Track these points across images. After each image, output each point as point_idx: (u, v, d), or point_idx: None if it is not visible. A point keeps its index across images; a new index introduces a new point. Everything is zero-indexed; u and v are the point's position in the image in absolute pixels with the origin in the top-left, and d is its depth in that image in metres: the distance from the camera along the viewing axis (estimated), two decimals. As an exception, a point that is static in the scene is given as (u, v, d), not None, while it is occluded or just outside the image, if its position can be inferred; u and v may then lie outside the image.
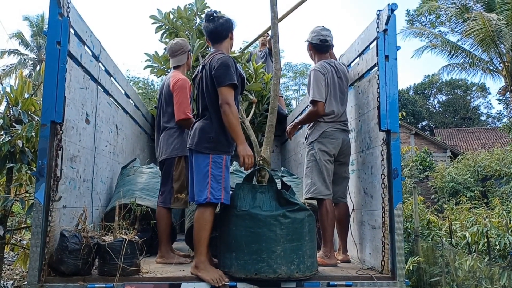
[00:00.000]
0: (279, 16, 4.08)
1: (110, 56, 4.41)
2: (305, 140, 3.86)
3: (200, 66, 3.33)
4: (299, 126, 4.22)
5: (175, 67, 3.97)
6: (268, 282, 2.88)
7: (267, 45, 7.13)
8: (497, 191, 13.14)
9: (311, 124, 3.78)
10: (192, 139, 3.18)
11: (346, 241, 3.80)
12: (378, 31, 3.34)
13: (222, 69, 3.07)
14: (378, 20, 3.36)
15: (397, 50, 3.30)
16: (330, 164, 3.66)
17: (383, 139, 3.26)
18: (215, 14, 3.31)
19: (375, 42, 3.38)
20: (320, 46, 3.87)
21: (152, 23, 6.02)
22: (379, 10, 3.36)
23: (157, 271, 3.17)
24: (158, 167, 4.52)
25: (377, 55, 3.32)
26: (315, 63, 3.94)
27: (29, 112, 4.31)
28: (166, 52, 5.68)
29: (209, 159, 3.07)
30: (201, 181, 3.08)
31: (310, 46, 3.93)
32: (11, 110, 4.24)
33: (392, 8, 3.18)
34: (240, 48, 7.08)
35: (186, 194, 3.64)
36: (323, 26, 3.89)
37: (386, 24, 3.25)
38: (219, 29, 3.26)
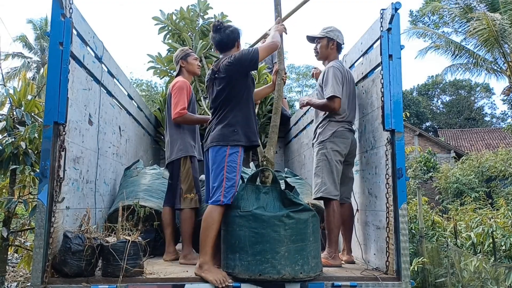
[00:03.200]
0: (283, 16, 4.06)
1: (112, 57, 4.41)
2: (314, 139, 3.81)
3: (210, 71, 3.37)
4: (308, 106, 4.17)
5: (176, 75, 4.07)
6: (272, 283, 2.86)
7: None
8: (501, 192, 13.05)
9: (322, 123, 3.75)
10: (213, 138, 3.18)
11: (350, 241, 3.77)
12: (382, 30, 3.32)
13: (241, 53, 3.21)
14: (381, 19, 3.34)
15: (401, 49, 3.28)
16: (340, 164, 3.64)
17: (387, 139, 3.24)
18: (222, 25, 3.40)
19: (379, 41, 3.37)
20: (341, 48, 3.92)
21: (155, 25, 6.03)
22: (382, 9, 3.34)
23: (161, 272, 3.16)
24: (162, 169, 4.54)
25: (381, 54, 3.30)
26: (326, 62, 3.92)
27: (32, 114, 4.32)
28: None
29: (226, 150, 3.11)
30: (216, 179, 3.10)
31: (336, 44, 3.88)
32: (14, 112, 4.25)
33: (396, 7, 3.17)
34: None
35: (195, 194, 3.70)
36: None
37: (390, 23, 3.23)
38: (225, 40, 3.34)
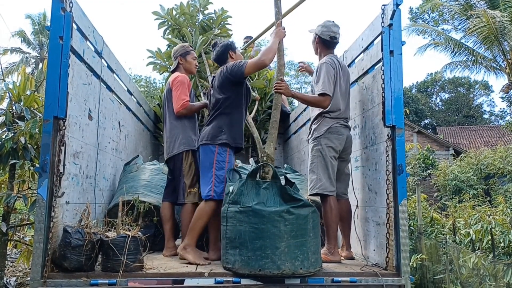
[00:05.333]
0: (283, 12, 4.04)
1: (112, 53, 4.39)
2: (309, 135, 3.81)
3: (212, 78, 3.77)
4: (290, 96, 3.74)
5: (173, 71, 4.06)
6: (272, 278, 2.87)
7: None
8: (500, 189, 13.07)
9: (316, 119, 3.74)
10: (203, 136, 3.53)
11: (349, 237, 3.78)
12: (383, 26, 3.31)
13: (233, 64, 3.53)
14: (383, 15, 3.33)
15: (402, 45, 3.27)
16: (335, 160, 3.64)
17: (387, 135, 3.24)
18: (216, 43, 3.86)
19: (380, 37, 3.36)
20: (329, 42, 3.80)
21: (155, 19, 6.01)
22: (384, 5, 3.33)
23: (161, 267, 3.16)
24: (162, 164, 4.52)
25: (382, 50, 3.29)
26: (320, 57, 3.89)
27: (31, 109, 4.30)
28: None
29: (215, 149, 3.44)
30: (205, 175, 3.41)
31: (318, 39, 3.84)
32: (13, 107, 4.23)
33: (397, 3, 3.17)
34: (243, 44, 7.06)
35: (198, 188, 3.70)
36: (333, 22, 3.81)
37: (391, 18, 3.23)
38: (219, 55, 3.78)
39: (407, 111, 9.57)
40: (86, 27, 3.50)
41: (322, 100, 3.59)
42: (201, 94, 5.63)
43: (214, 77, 3.73)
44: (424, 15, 25.63)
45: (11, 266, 6.06)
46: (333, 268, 3.22)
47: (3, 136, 4.06)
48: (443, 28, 22.46)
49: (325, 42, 3.81)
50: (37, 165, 2.92)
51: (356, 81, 4.06)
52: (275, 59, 3.68)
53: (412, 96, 35.22)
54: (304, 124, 5.82)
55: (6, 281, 5.29)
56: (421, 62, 78.44)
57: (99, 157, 3.92)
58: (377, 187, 3.46)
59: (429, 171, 17.05)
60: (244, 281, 2.90)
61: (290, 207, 2.95)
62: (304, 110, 5.82)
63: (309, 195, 3.67)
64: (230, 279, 2.91)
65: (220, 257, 3.22)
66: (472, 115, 37.31)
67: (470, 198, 10.62)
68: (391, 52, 3.25)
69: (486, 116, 38.86)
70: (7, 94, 4.37)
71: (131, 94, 5.32)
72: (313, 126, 3.76)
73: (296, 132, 6.41)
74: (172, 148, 3.79)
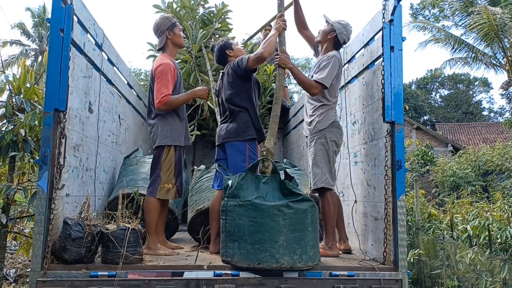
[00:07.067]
0: (286, 4, 4.04)
1: (113, 46, 4.38)
2: (309, 126, 3.78)
3: (221, 75, 3.80)
4: (289, 68, 3.70)
5: (160, 50, 3.77)
6: (270, 271, 2.89)
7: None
8: (498, 186, 13.11)
9: (319, 112, 3.71)
10: (228, 134, 3.53)
11: (344, 229, 3.82)
12: (384, 22, 3.31)
13: (239, 60, 3.59)
14: (384, 10, 3.33)
15: (403, 41, 3.27)
16: (335, 155, 3.67)
17: (387, 131, 3.25)
18: (213, 45, 3.93)
19: (380, 33, 3.36)
20: (339, 44, 3.84)
21: (155, 13, 6.00)
22: (385, 0, 3.33)
23: (160, 259, 3.18)
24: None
25: (382, 46, 3.29)
26: (322, 48, 3.90)
27: (31, 101, 4.30)
28: None
29: (246, 145, 3.49)
30: (238, 171, 3.29)
31: (334, 37, 3.80)
32: (13, 99, 4.23)
33: (398, -2, 3.16)
34: (243, 39, 7.05)
35: (173, 185, 3.55)
36: (351, 28, 3.86)
37: (392, 14, 3.23)
38: (218, 58, 3.84)
39: (407, 107, 9.60)
40: (87, 20, 3.50)
41: (315, 86, 3.62)
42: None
43: (223, 73, 3.74)
44: (424, 11, 25.58)
45: (10, 258, 6.08)
46: (331, 262, 3.25)
47: (3, 128, 4.06)
48: (443, 25, 22.44)
49: (337, 43, 3.83)
50: (37, 158, 2.92)
51: (356, 76, 4.07)
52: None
53: (411, 92, 35.20)
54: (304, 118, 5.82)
55: (5, 272, 5.32)
56: (421, 59, 78.33)
57: (99, 150, 3.93)
58: (375, 182, 3.48)
59: (427, 167, 17.09)
60: (242, 274, 2.92)
61: (289, 202, 2.97)
62: (304, 105, 5.83)
63: (314, 189, 3.67)
64: (229, 272, 2.93)
65: (219, 250, 3.24)
66: (471, 111, 37.30)
67: (468, 195, 10.64)
68: (392, 48, 3.25)
69: (485, 113, 38.88)
70: (7, 87, 4.36)
71: (131, 87, 5.32)
72: (316, 118, 3.71)
73: (295, 127, 6.42)
74: (156, 139, 3.55)
